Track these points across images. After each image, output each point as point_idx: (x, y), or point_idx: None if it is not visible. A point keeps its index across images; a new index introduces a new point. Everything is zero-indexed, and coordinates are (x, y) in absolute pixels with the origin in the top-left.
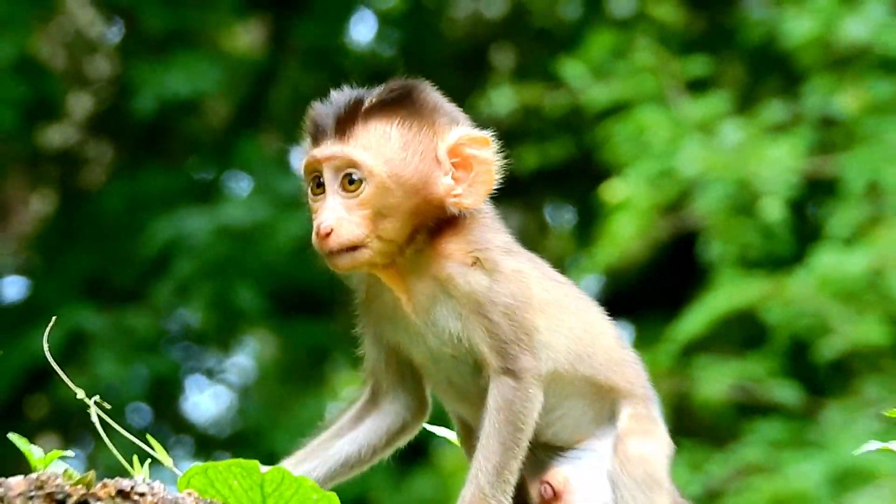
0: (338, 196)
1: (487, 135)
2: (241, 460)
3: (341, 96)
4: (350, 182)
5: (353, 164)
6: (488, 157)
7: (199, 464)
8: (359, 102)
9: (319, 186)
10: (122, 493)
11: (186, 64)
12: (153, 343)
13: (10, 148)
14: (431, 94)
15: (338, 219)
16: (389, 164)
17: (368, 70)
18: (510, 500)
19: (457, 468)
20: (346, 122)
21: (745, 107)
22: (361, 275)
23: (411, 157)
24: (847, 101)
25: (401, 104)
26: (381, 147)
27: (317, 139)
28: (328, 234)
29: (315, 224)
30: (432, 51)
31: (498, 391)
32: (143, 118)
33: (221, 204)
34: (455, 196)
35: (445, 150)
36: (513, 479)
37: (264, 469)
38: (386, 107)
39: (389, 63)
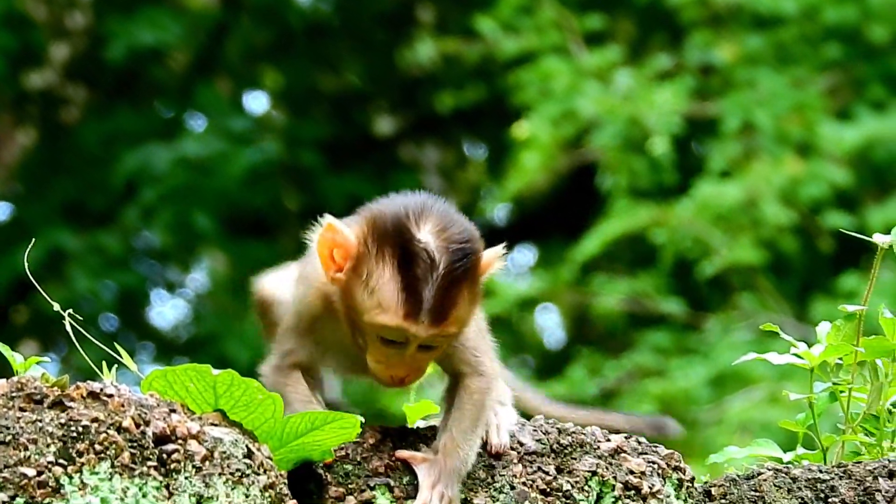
0: (418, 351)
1: (501, 249)
2: (196, 365)
3: (424, 269)
4: (430, 346)
5: (443, 339)
6: (500, 261)
7: (159, 368)
8: (453, 282)
9: (392, 343)
10: (92, 395)
11: (152, 18)
12: (122, 260)
13: None
14: (478, 236)
15: (416, 371)
16: (466, 322)
17: (310, 24)
18: (475, 454)
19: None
20: (440, 303)
21: (635, 57)
22: (323, 317)
23: (474, 302)
24: (723, 52)
25: (469, 265)
26: (463, 316)
27: (412, 313)
28: (402, 381)
29: (393, 376)
30: (365, 8)
31: (473, 386)
32: (114, 65)
33: (181, 139)
34: None
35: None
36: (478, 442)
37: (216, 372)
38: (466, 276)
39: (328, 18)
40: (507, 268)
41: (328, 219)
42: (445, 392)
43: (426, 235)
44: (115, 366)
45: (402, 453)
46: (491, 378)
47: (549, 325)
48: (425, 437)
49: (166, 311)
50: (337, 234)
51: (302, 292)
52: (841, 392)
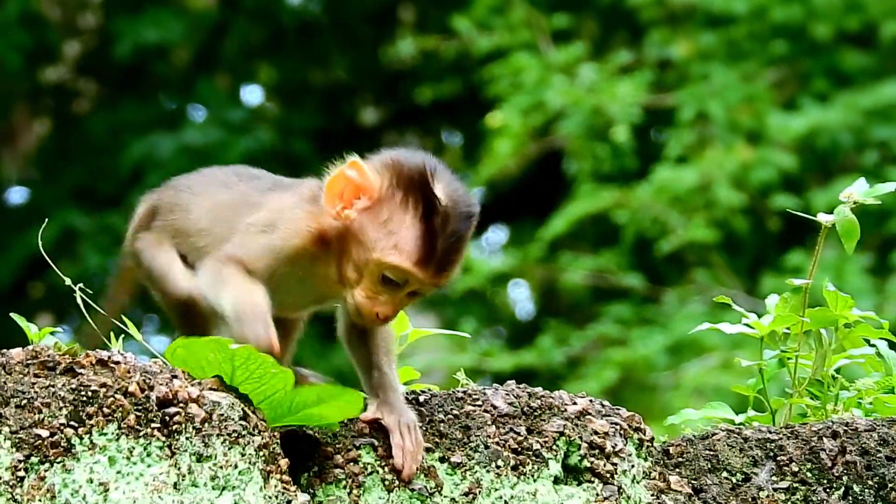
0: (405, 297)
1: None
2: (218, 338)
3: (442, 223)
4: (421, 293)
5: (435, 288)
6: None
7: (183, 339)
8: (460, 240)
9: (391, 283)
10: (101, 362)
11: (157, 18)
12: None
13: (15, 84)
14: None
15: (396, 312)
16: (453, 278)
17: (301, 24)
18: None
19: None
20: (448, 259)
21: (598, 53)
22: (309, 249)
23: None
24: (679, 48)
25: (473, 223)
26: (456, 270)
27: (424, 261)
28: (385, 318)
29: (379, 312)
30: (351, 8)
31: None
32: (122, 61)
33: (184, 129)
34: None
35: None
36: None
37: (235, 346)
38: (469, 237)
39: (317, 17)
40: (482, 245)
41: (354, 157)
42: (347, 330)
43: (442, 192)
44: (122, 336)
45: (365, 416)
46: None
47: (520, 298)
48: (407, 402)
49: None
50: (362, 173)
51: (283, 230)
52: (788, 359)
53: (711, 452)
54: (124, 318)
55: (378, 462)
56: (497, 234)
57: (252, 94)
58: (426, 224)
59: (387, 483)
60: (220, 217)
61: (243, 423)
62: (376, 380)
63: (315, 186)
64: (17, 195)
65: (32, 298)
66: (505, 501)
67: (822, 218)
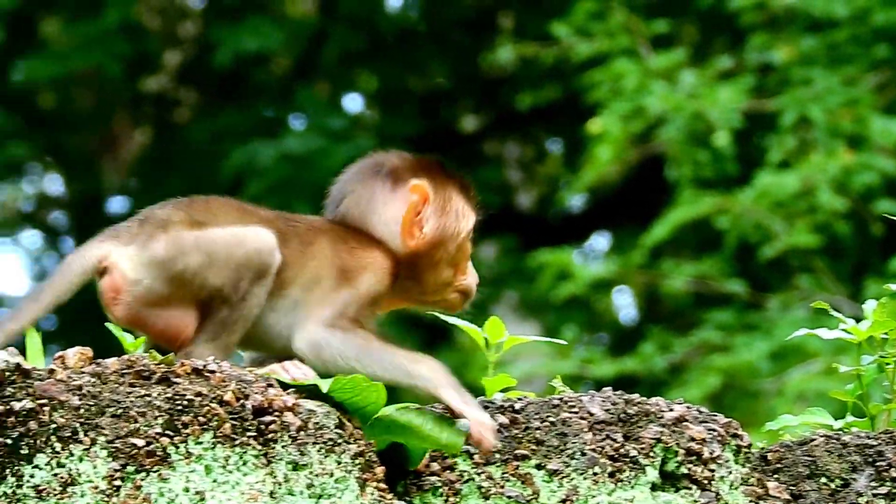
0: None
1: None
2: None
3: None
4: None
5: None
6: None
7: None
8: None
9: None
10: (196, 371)
11: (256, 26)
12: None
13: (116, 93)
14: None
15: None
16: None
17: (399, 31)
18: None
19: (473, 346)
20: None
21: (698, 58)
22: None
23: None
24: (780, 53)
25: None
26: None
27: (476, 210)
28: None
29: (476, 281)
30: (450, 15)
31: None
32: (221, 69)
33: (283, 137)
34: None
35: None
36: None
37: None
38: None
39: (416, 25)
40: (584, 252)
41: (418, 182)
42: None
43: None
44: None
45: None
46: None
47: (623, 304)
48: (503, 409)
49: None
50: (421, 190)
51: (374, 277)
52: (887, 364)
53: (810, 458)
54: None
55: (474, 469)
56: (599, 241)
57: (352, 102)
58: (463, 189)
59: (483, 490)
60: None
61: (339, 431)
62: None
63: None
64: (118, 204)
65: None
66: None
67: None
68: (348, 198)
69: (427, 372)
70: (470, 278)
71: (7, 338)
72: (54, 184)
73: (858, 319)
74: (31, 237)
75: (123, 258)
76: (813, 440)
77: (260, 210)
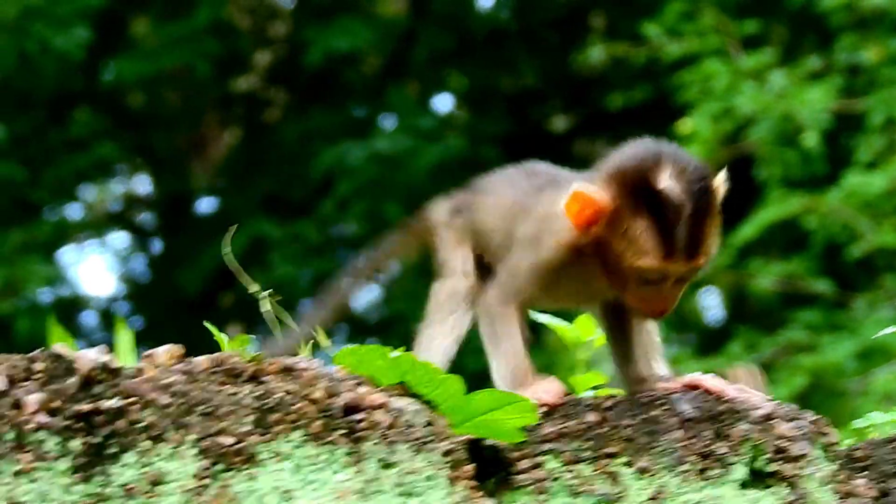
0: (672, 286)
1: (724, 176)
2: (379, 346)
3: (672, 212)
4: (684, 279)
5: (695, 272)
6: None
7: (349, 346)
8: (700, 219)
9: (652, 282)
10: (286, 369)
11: (346, 26)
12: (319, 248)
13: (206, 93)
14: (712, 172)
15: (672, 302)
16: (713, 252)
17: (490, 31)
18: None
19: (559, 346)
20: (691, 240)
21: (788, 59)
22: (569, 260)
23: (719, 233)
24: (869, 53)
25: (709, 200)
26: (711, 248)
27: (667, 253)
28: (661, 312)
29: (658, 309)
30: (540, 15)
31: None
32: (312, 69)
33: (373, 137)
34: None
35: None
36: None
37: (394, 354)
38: (710, 212)
39: (506, 24)
40: None
41: (577, 187)
42: (608, 316)
43: (668, 181)
44: (311, 343)
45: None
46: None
47: (710, 304)
48: (592, 407)
49: (359, 294)
50: (589, 201)
51: (546, 243)
52: None
53: None
54: (315, 326)
55: (563, 467)
56: None
57: (442, 102)
58: (659, 219)
59: (572, 488)
60: (503, 216)
61: (429, 428)
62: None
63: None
64: (207, 205)
65: (222, 308)
66: None
67: None
68: None
69: (504, 369)
70: (634, 301)
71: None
72: (143, 184)
73: None
74: (119, 238)
75: None
76: None
77: None
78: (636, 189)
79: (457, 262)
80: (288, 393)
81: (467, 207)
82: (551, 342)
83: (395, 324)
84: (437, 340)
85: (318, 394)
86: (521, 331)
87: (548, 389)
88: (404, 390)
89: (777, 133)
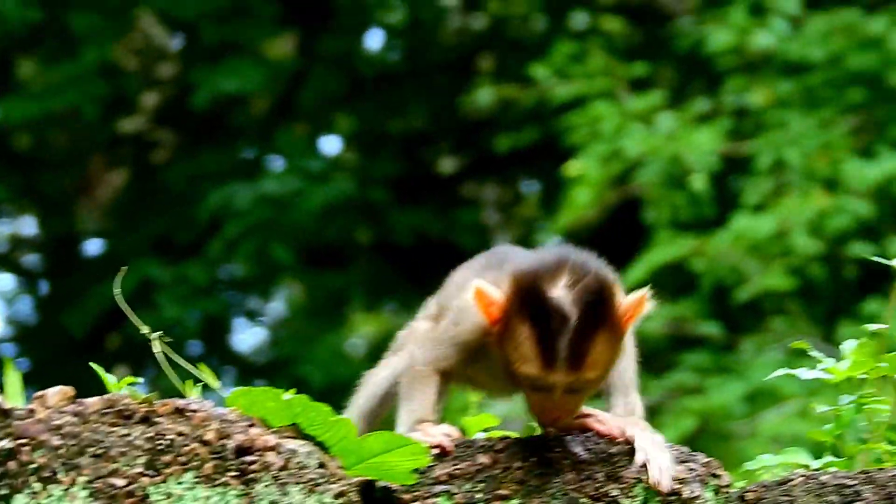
0: (565, 395)
1: (645, 293)
2: (271, 388)
3: (557, 323)
4: (576, 390)
5: (585, 384)
6: (645, 304)
7: (241, 388)
8: (587, 332)
9: (541, 389)
10: (178, 411)
11: (235, 67)
12: (207, 290)
13: (93, 134)
14: (612, 284)
15: (566, 412)
16: (607, 366)
17: (379, 72)
18: None
19: (460, 406)
20: (573, 352)
21: (676, 101)
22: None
23: (616, 347)
24: (757, 96)
25: (602, 313)
26: (602, 361)
27: (548, 363)
28: (554, 420)
29: (548, 418)
30: (429, 57)
31: (619, 404)
32: (200, 110)
33: (262, 178)
34: None
35: (625, 322)
36: None
37: (287, 396)
38: (598, 325)
39: (396, 66)
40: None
41: (478, 284)
42: None
43: (560, 291)
44: (200, 385)
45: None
46: (635, 404)
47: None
48: (484, 449)
49: (247, 336)
50: (488, 298)
51: (463, 321)
52: (864, 404)
53: (788, 498)
54: (202, 366)
55: None
56: None
57: (330, 144)
58: (543, 329)
59: None
60: (453, 294)
61: (321, 470)
62: (621, 404)
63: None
64: (94, 246)
65: (109, 350)
66: None
67: None
68: None
69: (405, 417)
70: (528, 405)
71: None
72: (28, 226)
73: (834, 361)
74: (5, 280)
75: None
76: (791, 480)
77: None
78: (527, 295)
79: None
80: (180, 434)
81: (441, 291)
82: None
83: (283, 366)
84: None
85: (209, 435)
86: (437, 394)
87: (444, 432)
88: (297, 432)
89: (665, 175)
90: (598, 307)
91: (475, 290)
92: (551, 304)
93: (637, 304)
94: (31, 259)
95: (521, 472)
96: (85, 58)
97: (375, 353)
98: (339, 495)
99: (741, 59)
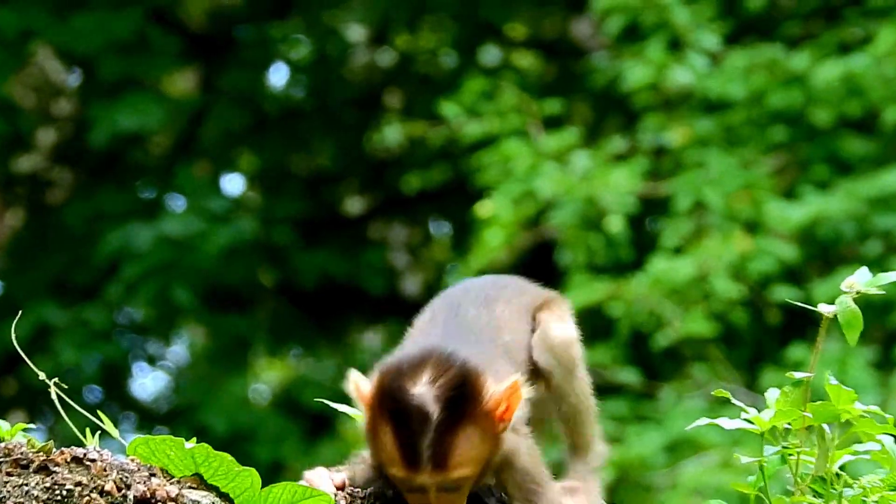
0: (440, 494)
1: (516, 378)
2: (173, 437)
3: (417, 422)
4: (450, 488)
5: (457, 482)
6: (520, 392)
7: (142, 436)
8: (450, 429)
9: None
10: (76, 459)
11: (134, 104)
12: (105, 334)
13: None
14: (478, 377)
15: None
16: (480, 461)
17: (283, 109)
18: None
19: (358, 438)
20: (437, 451)
21: (591, 139)
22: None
23: (488, 441)
24: (675, 135)
25: (466, 409)
26: (472, 458)
27: (412, 465)
28: None
29: None
30: (335, 93)
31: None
32: (98, 148)
33: (162, 219)
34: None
35: (499, 414)
36: None
37: (189, 445)
38: (461, 422)
39: (300, 103)
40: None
41: (352, 375)
42: None
43: (421, 388)
44: (99, 433)
45: None
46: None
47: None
48: None
49: (147, 382)
50: (359, 394)
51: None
52: (790, 455)
53: None
54: (101, 413)
55: None
56: None
57: (233, 183)
58: (403, 428)
59: None
60: None
61: None
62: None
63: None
64: None
65: (4, 395)
66: None
67: (824, 309)
68: None
69: None
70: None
71: None
72: None
73: (757, 409)
74: None
75: None
76: None
77: None
78: (389, 392)
79: None
80: (78, 484)
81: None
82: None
83: (185, 413)
84: None
85: (109, 485)
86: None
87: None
88: (199, 482)
89: (580, 216)
90: (460, 402)
91: (352, 382)
92: (411, 401)
93: (508, 395)
94: None
95: None
96: None
97: (280, 400)
98: None
99: (659, 96)
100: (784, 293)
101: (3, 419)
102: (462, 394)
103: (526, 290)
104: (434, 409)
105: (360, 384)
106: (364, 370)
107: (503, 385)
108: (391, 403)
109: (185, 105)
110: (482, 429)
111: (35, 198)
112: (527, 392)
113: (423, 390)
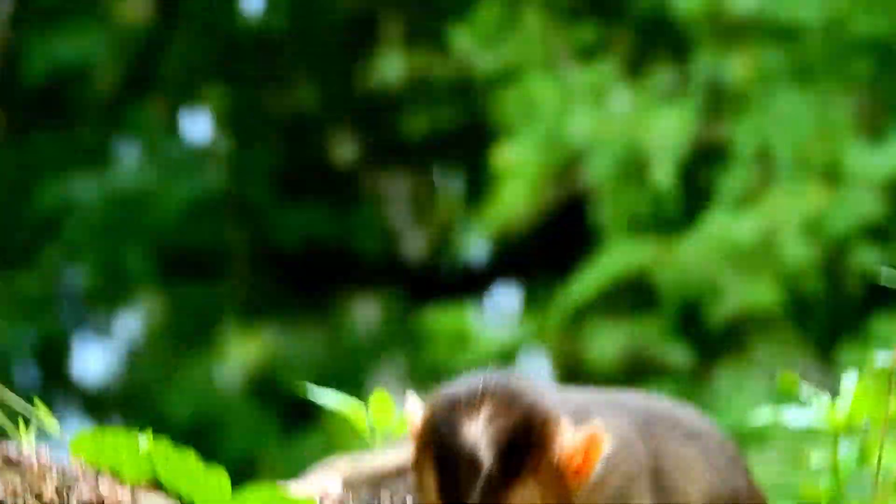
0: None
1: (596, 430)
2: (125, 430)
3: (465, 470)
4: None
5: None
6: (601, 444)
7: (87, 429)
8: (500, 481)
9: None
10: (8, 461)
11: (76, 31)
12: (42, 305)
13: None
14: (548, 419)
15: None
16: None
17: (257, 37)
18: None
19: (341, 430)
20: (484, 494)
21: (633, 74)
22: None
23: (553, 501)
24: (736, 68)
25: (526, 458)
26: None
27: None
28: None
29: None
30: (321, 18)
31: None
32: (32, 85)
33: (110, 168)
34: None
35: (571, 468)
36: None
37: (144, 440)
38: (516, 471)
39: (279, 30)
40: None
41: (409, 400)
42: None
43: (475, 428)
44: (35, 423)
45: None
46: None
47: (537, 375)
48: None
49: (93, 361)
50: (410, 423)
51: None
52: (870, 455)
53: None
54: (37, 401)
55: None
56: (506, 298)
57: (197, 126)
58: (447, 475)
59: None
60: None
61: None
62: None
63: None
64: None
65: None
66: None
67: None
68: None
69: None
70: None
71: None
72: None
73: (832, 394)
74: None
75: None
76: None
77: None
78: (437, 428)
79: None
80: (13, 492)
81: None
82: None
83: (140, 399)
84: None
85: (48, 491)
86: None
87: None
88: (156, 485)
89: (620, 166)
90: (520, 450)
91: (408, 407)
92: (460, 443)
93: (585, 449)
94: None
95: None
96: None
97: (253, 384)
98: None
99: (716, 21)
100: (867, 256)
101: None
102: (521, 442)
103: None
104: (487, 456)
105: (413, 411)
106: (356, 351)
107: (580, 433)
108: (438, 442)
109: (139, 33)
110: (544, 485)
111: None
112: (607, 447)
113: (478, 430)
